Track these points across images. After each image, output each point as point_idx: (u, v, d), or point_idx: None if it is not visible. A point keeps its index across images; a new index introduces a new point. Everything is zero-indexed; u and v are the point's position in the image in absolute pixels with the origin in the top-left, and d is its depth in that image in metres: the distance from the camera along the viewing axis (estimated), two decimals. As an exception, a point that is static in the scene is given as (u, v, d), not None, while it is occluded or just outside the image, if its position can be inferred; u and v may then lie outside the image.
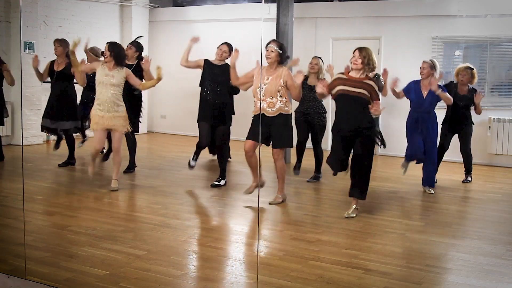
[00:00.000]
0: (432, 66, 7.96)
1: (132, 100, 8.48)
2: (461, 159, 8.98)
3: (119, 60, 7.69)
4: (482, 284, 4.75)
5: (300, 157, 8.86)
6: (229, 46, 8.15)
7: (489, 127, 10.61)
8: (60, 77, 8.98)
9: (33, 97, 11.47)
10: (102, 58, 8.41)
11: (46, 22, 12.19)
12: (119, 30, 13.85)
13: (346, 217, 6.56)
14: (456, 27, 11.03)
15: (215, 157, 9.87)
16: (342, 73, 6.70)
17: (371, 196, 7.51)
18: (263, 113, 6.97)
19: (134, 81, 7.81)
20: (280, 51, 6.99)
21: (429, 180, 8.13)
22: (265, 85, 6.98)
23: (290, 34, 10.52)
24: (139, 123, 8.98)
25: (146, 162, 9.53)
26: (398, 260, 5.23)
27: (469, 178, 9.01)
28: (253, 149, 7.04)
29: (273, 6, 10.91)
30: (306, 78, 8.43)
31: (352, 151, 6.65)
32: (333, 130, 6.79)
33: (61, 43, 9.05)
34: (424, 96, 7.93)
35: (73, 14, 12.83)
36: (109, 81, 7.58)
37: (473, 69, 8.60)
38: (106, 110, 7.60)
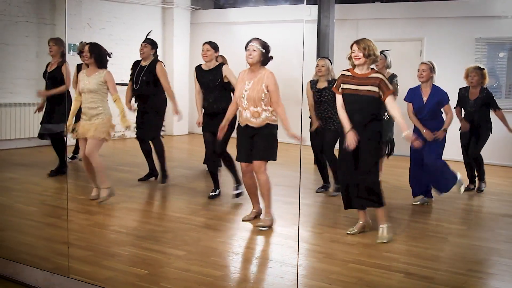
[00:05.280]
0: (432, 68, 7.31)
1: (154, 103, 8.30)
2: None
3: (101, 62, 7.19)
4: (526, 290, 4.68)
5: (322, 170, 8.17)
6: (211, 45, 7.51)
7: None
8: (50, 79, 8.68)
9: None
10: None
11: (90, 24, 12.39)
12: (161, 32, 13.98)
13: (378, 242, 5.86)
14: (500, 28, 10.84)
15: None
16: (347, 70, 6.04)
17: (411, 200, 7.42)
18: (246, 124, 6.33)
19: (111, 88, 7.14)
20: (263, 50, 6.25)
21: (446, 185, 7.39)
22: (246, 91, 6.26)
23: (331, 35, 10.49)
24: (163, 128, 8.55)
25: (186, 163, 9.59)
26: (440, 264, 5.17)
27: (483, 185, 8.39)
28: (251, 170, 6.45)
29: (314, 7, 10.89)
30: (315, 82, 7.94)
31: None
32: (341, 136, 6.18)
33: (56, 42, 8.70)
34: (424, 101, 7.27)
35: (115, 16, 13.02)
36: (86, 87, 7.12)
37: (483, 69, 8.11)
38: (87, 118, 7.14)
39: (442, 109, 7.33)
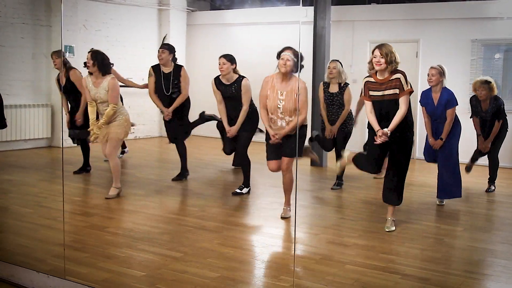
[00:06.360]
0: (441, 73, 7.23)
1: (182, 106, 8.42)
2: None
3: (104, 69, 7.25)
4: (522, 291, 4.68)
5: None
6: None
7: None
8: (66, 93, 8.73)
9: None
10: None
11: (86, 26, 12.38)
12: (157, 33, 13.96)
13: (387, 231, 6.23)
14: (496, 30, 10.86)
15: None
16: (370, 76, 6.18)
17: (409, 201, 7.44)
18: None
19: (111, 96, 7.19)
20: (296, 60, 6.38)
21: (444, 192, 7.46)
22: (281, 102, 6.44)
23: (328, 37, 10.49)
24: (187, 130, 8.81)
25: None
26: (436, 266, 5.17)
27: (492, 187, 8.45)
28: (279, 168, 6.73)
29: (311, 9, 10.90)
30: (327, 85, 8.21)
31: (388, 154, 6.31)
32: (370, 130, 6.28)
33: (58, 55, 8.72)
34: (436, 105, 7.28)
35: (111, 18, 13.00)
36: (100, 99, 7.24)
37: (491, 82, 8.01)
38: (105, 124, 7.29)
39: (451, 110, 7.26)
